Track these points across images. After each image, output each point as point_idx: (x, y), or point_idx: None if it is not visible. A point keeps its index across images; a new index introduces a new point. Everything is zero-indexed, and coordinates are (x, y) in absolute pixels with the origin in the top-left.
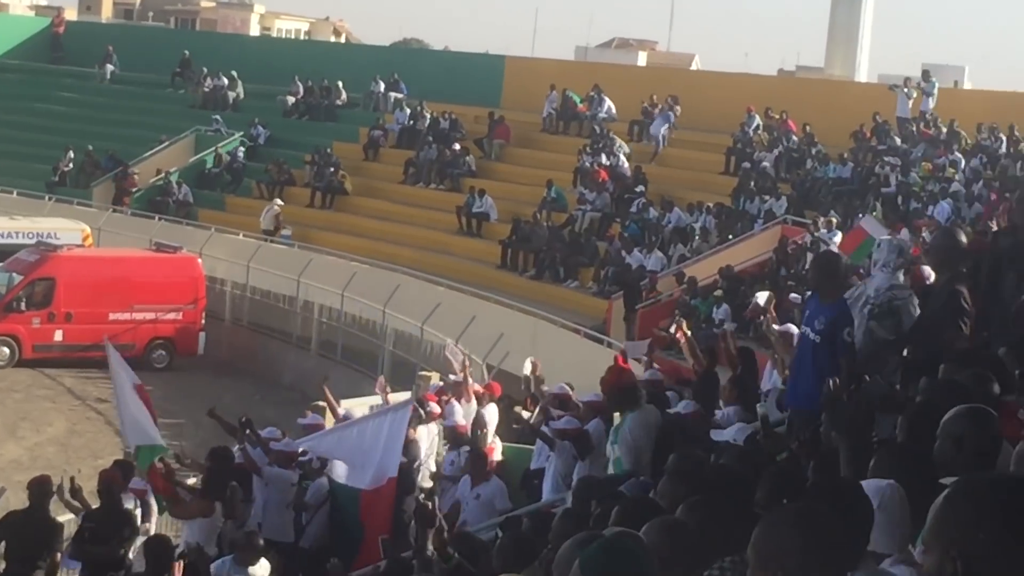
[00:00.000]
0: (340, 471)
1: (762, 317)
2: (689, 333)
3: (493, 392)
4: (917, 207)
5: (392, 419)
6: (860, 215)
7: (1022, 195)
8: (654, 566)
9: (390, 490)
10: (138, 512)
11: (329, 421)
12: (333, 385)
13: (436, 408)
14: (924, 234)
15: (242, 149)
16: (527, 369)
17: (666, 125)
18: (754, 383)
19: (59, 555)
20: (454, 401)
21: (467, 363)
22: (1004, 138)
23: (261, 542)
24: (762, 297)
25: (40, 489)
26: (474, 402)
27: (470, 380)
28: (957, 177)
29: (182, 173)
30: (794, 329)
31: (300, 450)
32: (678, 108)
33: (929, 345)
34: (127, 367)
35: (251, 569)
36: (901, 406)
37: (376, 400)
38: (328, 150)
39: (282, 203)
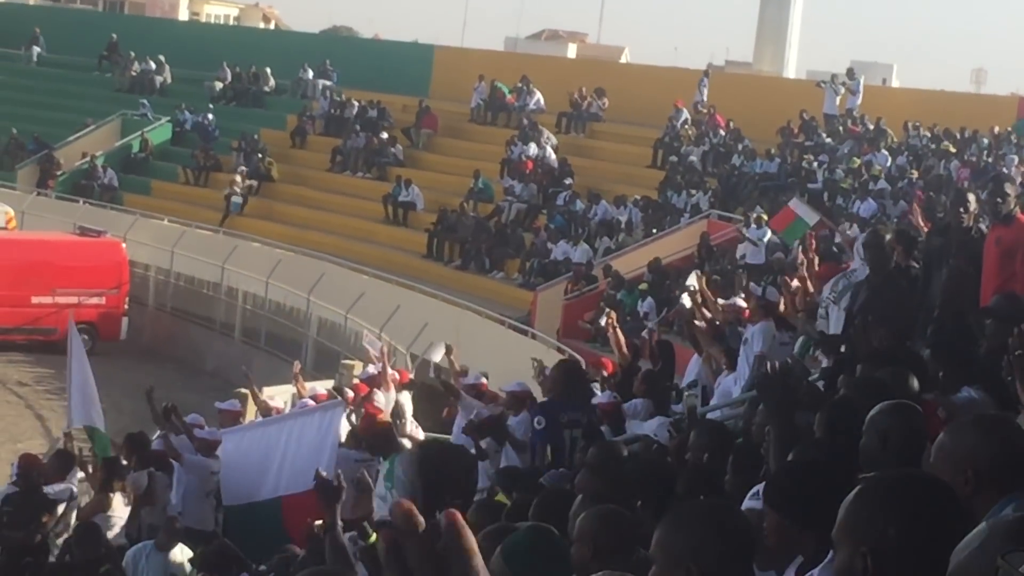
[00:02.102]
0: (232, 489)
1: (691, 299)
2: (619, 327)
3: (401, 380)
4: (842, 204)
5: (321, 421)
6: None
7: (956, 197)
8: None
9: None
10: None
11: (251, 412)
12: (256, 372)
13: (349, 393)
14: (848, 231)
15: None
16: (438, 355)
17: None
18: (669, 377)
19: None
20: (376, 390)
21: (387, 352)
22: (929, 136)
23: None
24: (691, 280)
25: None
26: (393, 391)
27: (390, 369)
28: (883, 174)
29: (108, 157)
30: (741, 303)
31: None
32: (605, 100)
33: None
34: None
35: (171, 554)
36: (817, 402)
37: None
38: (255, 136)
39: (245, 168)
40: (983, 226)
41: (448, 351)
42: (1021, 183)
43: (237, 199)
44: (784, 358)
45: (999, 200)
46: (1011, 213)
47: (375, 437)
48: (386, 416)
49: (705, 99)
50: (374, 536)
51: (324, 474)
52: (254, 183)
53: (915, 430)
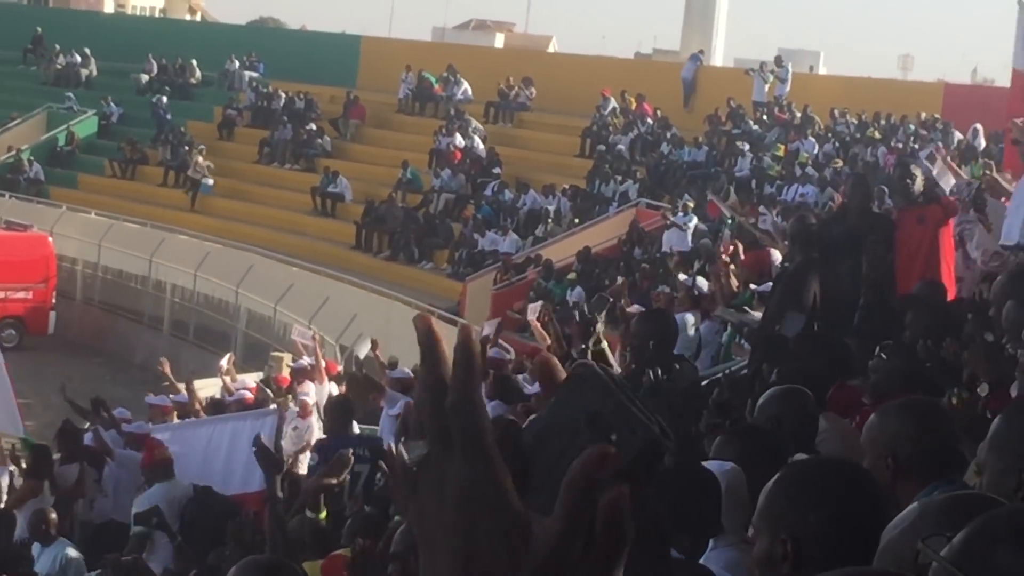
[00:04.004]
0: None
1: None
2: (553, 319)
3: (330, 371)
4: (771, 191)
5: (254, 428)
6: (710, 198)
7: (856, 181)
8: None
9: (258, 500)
10: None
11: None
12: (186, 365)
13: (305, 361)
14: (777, 218)
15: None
16: (364, 350)
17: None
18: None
19: None
20: (308, 382)
21: (319, 343)
22: (856, 123)
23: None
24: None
25: None
26: (327, 383)
27: (323, 361)
28: (810, 161)
29: (33, 151)
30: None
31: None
32: (532, 90)
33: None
34: None
35: (67, 549)
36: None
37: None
38: (182, 129)
39: (203, 146)
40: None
41: (373, 346)
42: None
43: (208, 180)
44: (692, 347)
45: (908, 181)
46: (923, 192)
47: (150, 468)
48: (167, 451)
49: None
50: (324, 512)
51: (265, 442)
52: (211, 164)
53: (807, 414)
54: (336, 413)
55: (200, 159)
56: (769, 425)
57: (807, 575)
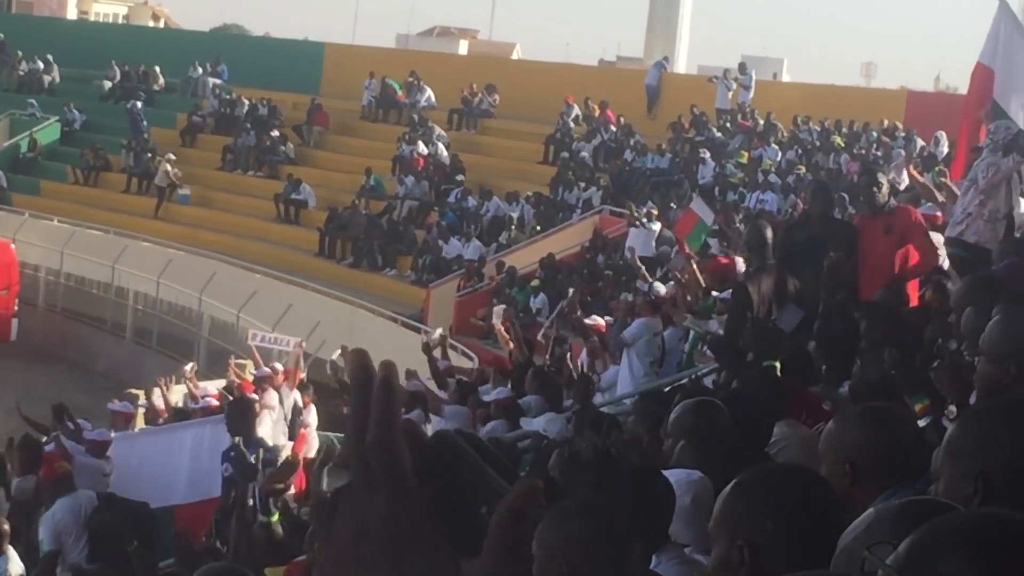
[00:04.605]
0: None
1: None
2: (515, 324)
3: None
4: (734, 198)
5: (214, 432)
6: (674, 205)
7: (816, 187)
8: None
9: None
10: None
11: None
12: (148, 372)
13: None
14: (739, 225)
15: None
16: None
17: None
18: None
19: None
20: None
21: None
22: (819, 130)
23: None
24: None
25: None
26: (295, 390)
27: (279, 367)
28: (773, 168)
29: None
30: (599, 320)
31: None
32: (496, 97)
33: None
34: None
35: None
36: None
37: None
38: (145, 135)
39: (174, 157)
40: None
41: (343, 351)
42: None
43: (184, 190)
44: (656, 352)
45: (875, 190)
46: (888, 203)
47: (51, 484)
48: (66, 464)
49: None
50: (276, 515)
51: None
52: (178, 172)
53: (721, 427)
54: (236, 416)
55: (169, 167)
56: (684, 439)
57: None
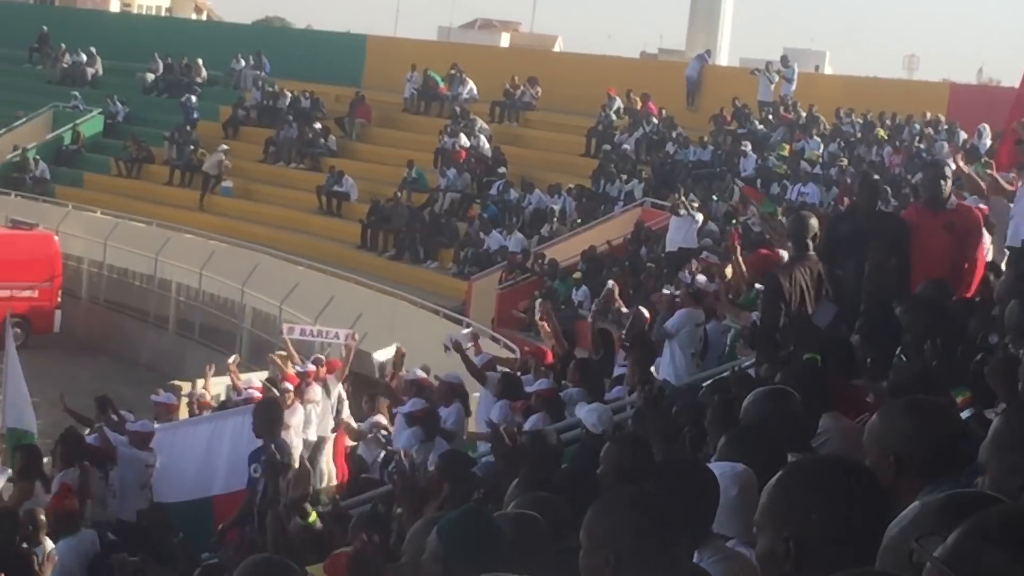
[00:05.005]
0: (163, 487)
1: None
2: (553, 316)
3: (331, 370)
4: (776, 190)
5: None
6: (715, 197)
7: (863, 180)
8: (504, 539)
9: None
10: None
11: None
12: (190, 364)
13: (290, 387)
14: (781, 217)
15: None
16: (386, 354)
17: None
18: (608, 367)
19: None
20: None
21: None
22: (861, 123)
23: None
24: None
25: None
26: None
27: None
28: (822, 160)
29: (39, 150)
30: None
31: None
32: (538, 89)
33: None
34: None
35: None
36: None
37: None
38: (187, 128)
39: (227, 147)
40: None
41: (398, 354)
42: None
43: (227, 183)
44: (698, 344)
45: (942, 183)
46: (951, 198)
47: (56, 519)
48: (74, 503)
49: (792, 92)
50: (313, 515)
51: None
52: (226, 165)
53: (794, 414)
54: (263, 418)
55: (223, 157)
56: (758, 425)
57: (809, 574)
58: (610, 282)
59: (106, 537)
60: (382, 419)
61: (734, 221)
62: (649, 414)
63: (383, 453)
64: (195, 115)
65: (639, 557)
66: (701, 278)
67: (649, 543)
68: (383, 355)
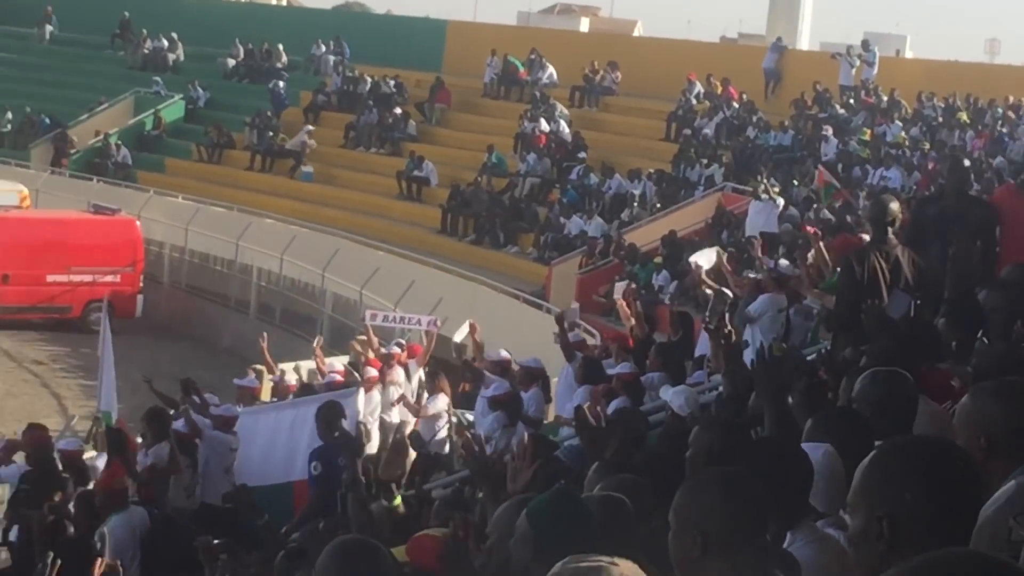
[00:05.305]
0: (243, 471)
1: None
2: (636, 300)
3: (412, 355)
4: (858, 175)
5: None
6: (796, 182)
7: (953, 163)
8: (593, 520)
9: None
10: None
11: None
12: (271, 349)
13: (373, 372)
14: (864, 201)
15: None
16: (462, 333)
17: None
18: (687, 350)
19: None
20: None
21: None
22: (943, 107)
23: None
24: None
25: None
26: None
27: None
28: (905, 144)
29: (121, 135)
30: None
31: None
32: (618, 74)
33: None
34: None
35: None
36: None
37: (312, 364)
38: (268, 113)
39: (312, 128)
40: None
41: (472, 330)
42: None
43: (308, 169)
44: (780, 330)
45: None
46: None
47: (105, 495)
48: (124, 480)
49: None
50: (398, 499)
51: (347, 428)
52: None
53: (909, 397)
54: (327, 418)
55: (307, 138)
56: (871, 409)
57: (903, 554)
58: (692, 259)
59: (154, 513)
60: (442, 398)
61: (814, 207)
62: (759, 373)
63: (442, 432)
64: (285, 101)
65: (727, 539)
66: (784, 263)
67: (737, 525)
68: (460, 335)
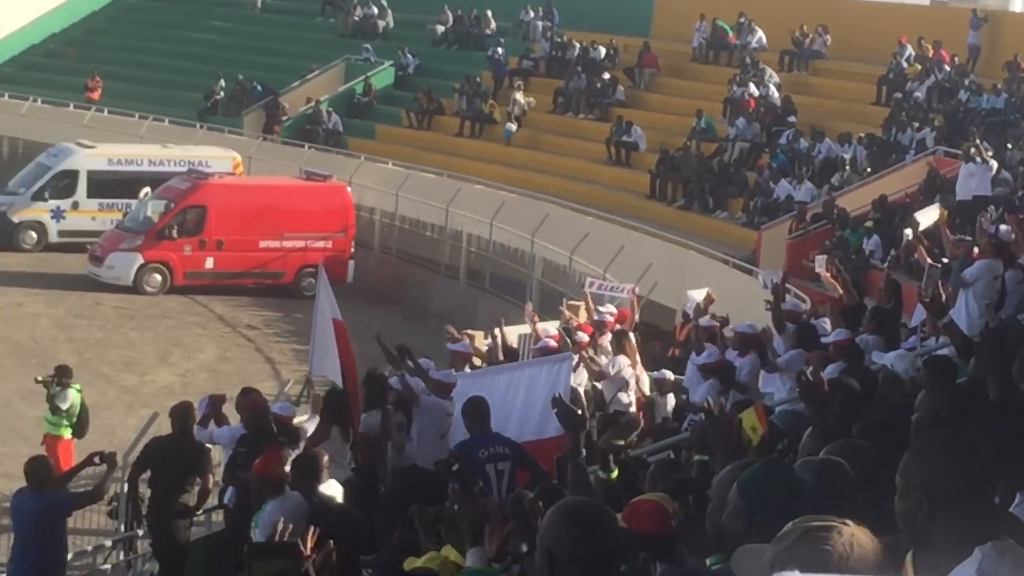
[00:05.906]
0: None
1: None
2: (841, 269)
3: (619, 320)
4: None
5: (549, 373)
6: (1010, 146)
7: None
8: (805, 488)
9: (554, 447)
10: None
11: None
12: (481, 314)
13: (584, 337)
14: None
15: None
16: (697, 298)
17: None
18: (898, 315)
19: (210, 478)
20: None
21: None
22: None
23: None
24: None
25: (183, 415)
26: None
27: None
28: None
29: (332, 102)
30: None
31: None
32: (828, 37)
33: None
34: (332, 298)
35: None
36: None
37: (525, 329)
38: (477, 79)
39: (521, 83)
40: None
41: (708, 299)
42: None
43: (511, 126)
44: (994, 296)
45: None
46: None
47: (261, 481)
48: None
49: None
50: (616, 471)
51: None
52: (529, 102)
53: None
54: (474, 415)
55: (520, 97)
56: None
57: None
58: (906, 231)
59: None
60: (625, 360)
61: None
62: (984, 345)
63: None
64: (505, 67)
65: (952, 502)
66: (1004, 228)
67: (963, 488)
68: (698, 294)
